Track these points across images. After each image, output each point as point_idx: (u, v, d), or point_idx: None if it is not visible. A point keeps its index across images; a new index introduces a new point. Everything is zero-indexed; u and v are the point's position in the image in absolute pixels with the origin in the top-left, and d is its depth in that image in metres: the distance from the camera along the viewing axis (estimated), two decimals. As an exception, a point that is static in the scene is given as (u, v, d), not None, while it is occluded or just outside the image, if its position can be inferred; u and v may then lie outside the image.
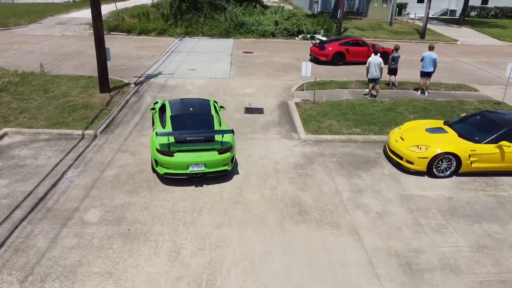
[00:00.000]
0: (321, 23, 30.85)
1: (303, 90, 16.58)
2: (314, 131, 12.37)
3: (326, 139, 11.90)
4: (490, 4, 47.25)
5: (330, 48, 20.89)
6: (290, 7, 49.41)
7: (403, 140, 10.38)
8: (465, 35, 33.43)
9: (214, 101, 11.37)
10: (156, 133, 9.10)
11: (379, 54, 15.30)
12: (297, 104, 14.82)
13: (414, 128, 10.85)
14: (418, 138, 10.25)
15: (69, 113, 12.87)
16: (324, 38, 28.85)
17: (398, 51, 16.41)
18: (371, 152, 11.29)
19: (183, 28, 29.37)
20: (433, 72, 15.83)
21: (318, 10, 43.14)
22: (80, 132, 11.60)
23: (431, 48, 15.74)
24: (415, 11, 43.70)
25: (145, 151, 10.81)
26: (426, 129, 10.62)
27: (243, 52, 23.60)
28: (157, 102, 11.32)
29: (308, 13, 41.91)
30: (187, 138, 8.96)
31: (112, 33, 28.97)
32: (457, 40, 30.73)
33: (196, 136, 8.99)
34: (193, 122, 9.54)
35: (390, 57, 16.59)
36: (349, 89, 16.72)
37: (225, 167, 9.33)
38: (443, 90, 16.97)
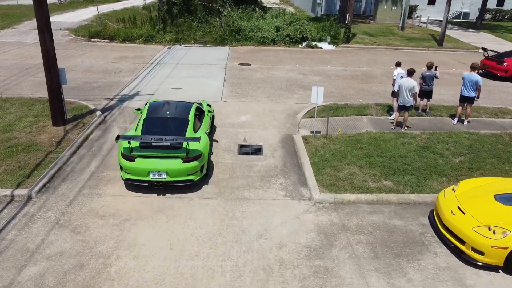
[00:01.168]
0: (327, 28, 27.62)
1: (312, 117, 13.39)
2: (330, 185, 9.16)
3: (348, 200, 8.69)
4: (506, 6, 44.05)
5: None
6: (292, 9, 46.23)
7: (463, 213, 7.17)
8: (485, 41, 30.22)
9: (199, 104, 10.79)
10: (119, 136, 8.42)
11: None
12: (305, 139, 11.63)
13: (477, 193, 7.64)
14: (487, 212, 7.05)
15: (3, 159, 9.66)
16: (330, 46, 25.70)
17: (432, 69, 13.20)
18: (413, 223, 8.08)
19: (173, 34, 26.14)
20: (477, 98, 12.63)
21: (322, 12, 39.99)
22: (8, 192, 8.39)
23: (473, 68, 12.52)
24: (426, 14, 40.56)
25: (94, 227, 7.60)
26: (496, 196, 7.41)
27: (240, 64, 20.37)
28: (147, 103, 10.26)
29: (311, 16, 38.73)
30: (153, 144, 8.41)
31: (93, 40, 25.75)
32: (478, 48, 27.49)
33: (157, 142, 8.28)
34: (166, 126, 9.08)
35: (420, 76, 13.39)
36: (368, 116, 13.50)
37: (191, 177, 8.69)
38: (484, 116, 13.76)
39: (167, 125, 9.09)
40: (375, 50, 25.91)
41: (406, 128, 12.38)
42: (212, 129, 11.92)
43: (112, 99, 14.53)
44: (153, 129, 8.95)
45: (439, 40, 27.54)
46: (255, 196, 8.82)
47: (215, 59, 21.44)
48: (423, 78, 13.19)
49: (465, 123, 12.94)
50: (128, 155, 8.45)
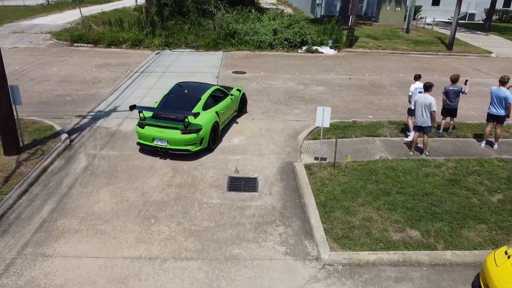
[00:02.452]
0: (329, 31, 25.71)
1: (316, 139, 11.49)
2: (343, 237, 7.26)
3: (366, 261, 6.78)
4: (513, 7, 42.30)
5: None
6: (290, 10, 44.36)
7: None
8: (496, 44, 28.40)
9: (223, 87, 12.01)
10: (135, 105, 9.91)
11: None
12: (308, 168, 9.73)
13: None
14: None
15: None
16: (332, 51, 23.81)
17: (456, 83, 11.32)
18: (453, 295, 6.19)
19: (162, 38, 24.20)
20: (507, 116, 10.75)
21: (322, 13, 38.12)
22: None
23: (502, 82, 10.62)
24: (429, 15, 38.79)
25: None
26: None
27: (234, 73, 18.45)
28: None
29: (310, 17, 36.84)
30: (161, 115, 9.82)
31: (75, 44, 23.78)
32: (490, 52, 25.68)
33: (165, 114, 9.79)
34: (179, 102, 10.34)
35: (443, 91, 11.51)
36: (381, 138, 11.61)
37: (188, 147, 9.75)
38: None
39: (180, 102, 10.39)
40: (380, 55, 24.03)
41: (427, 153, 10.49)
42: (241, 111, 13.08)
43: (84, 117, 12.58)
44: (169, 104, 10.39)
45: (449, 44, 25.68)
46: (247, 255, 6.90)
47: (206, 66, 19.50)
48: (446, 93, 11.31)
49: (495, 146, 11.06)
50: (141, 123, 9.90)
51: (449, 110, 11.40)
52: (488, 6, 40.52)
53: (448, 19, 42.08)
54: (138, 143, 10.12)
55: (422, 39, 28.75)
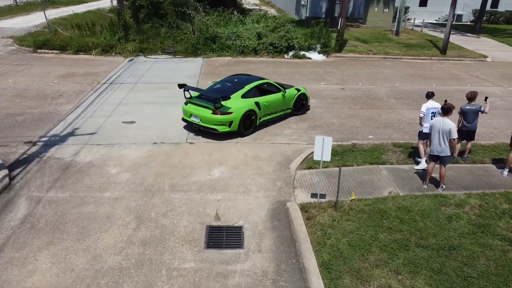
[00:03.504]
0: (317, 35, 24.02)
1: (311, 168, 9.72)
2: (357, 320, 5.48)
3: None
4: (501, 8, 41.46)
5: None
6: (274, 11, 42.65)
7: None
8: (489, 47, 27.21)
9: (271, 82, 12.37)
10: (185, 85, 11.32)
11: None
12: (305, 210, 7.96)
13: None
14: None
15: None
16: (320, 56, 22.12)
17: (473, 101, 9.70)
18: None
19: (136, 44, 22.14)
20: (535, 140, 9.19)
21: (307, 15, 36.51)
22: None
23: (531, 100, 9.05)
24: (417, 15, 37.57)
25: None
26: None
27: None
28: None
29: (295, 19, 35.22)
30: (202, 96, 11.24)
31: (39, 51, 21.52)
32: (486, 56, 24.41)
33: (204, 95, 11.14)
34: (224, 88, 11.56)
35: (459, 111, 9.87)
36: (387, 166, 9.91)
37: (216, 127, 10.76)
38: (538, 161, 10.33)
39: (226, 88, 11.53)
40: (372, 60, 22.47)
41: (443, 187, 8.82)
42: (299, 110, 13.25)
43: (35, 144, 10.53)
44: (216, 89, 11.63)
45: (443, 48, 24.30)
46: None
47: (184, 75, 17.56)
48: (464, 113, 9.68)
49: (520, 174, 9.49)
50: (187, 101, 11.33)
51: (467, 133, 9.77)
52: (475, 7, 39.66)
53: (436, 20, 41.01)
54: (182, 119, 11.63)
55: (414, 42, 27.36)
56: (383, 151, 10.56)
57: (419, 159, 9.82)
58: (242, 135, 11.23)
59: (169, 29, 24.85)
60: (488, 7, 41.36)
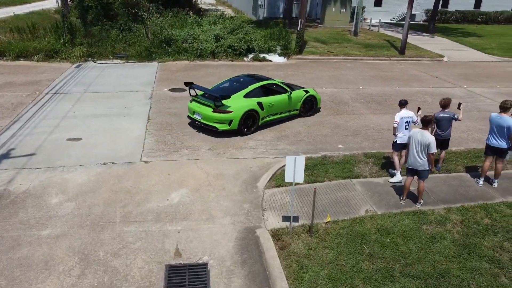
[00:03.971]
0: (276, 36, 23.32)
1: (280, 186, 8.90)
2: None
3: None
4: (451, 8, 42.75)
5: None
6: (230, 11, 41.70)
7: None
8: (444, 47, 27.69)
9: (278, 83, 12.49)
10: (192, 83, 11.57)
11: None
12: (277, 237, 7.13)
13: None
14: None
15: None
16: (281, 58, 21.44)
17: (447, 108, 9.25)
18: None
19: (84, 48, 20.48)
20: (510, 149, 8.84)
21: (264, 15, 35.83)
22: None
23: (504, 108, 8.67)
24: (372, 15, 37.88)
25: None
26: None
27: (171, 91, 15.41)
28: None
29: (253, 19, 34.48)
30: (206, 94, 11.41)
31: (-27, 58, 19.38)
32: (442, 56, 24.74)
33: (204, 90, 11.45)
34: (228, 88, 11.77)
35: (434, 119, 9.36)
36: (360, 180, 9.26)
37: (215, 125, 11.02)
38: (510, 168, 10.08)
39: (229, 87, 11.74)
40: (333, 62, 22.07)
41: (421, 202, 8.28)
42: (307, 112, 13.21)
43: (-40, 170, 9.02)
44: (220, 88, 11.85)
45: (401, 48, 24.35)
46: None
47: (138, 83, 16.26)
48: (437, 121, 9.19)
49: (495, 184, 9.13)
50: (192, 99, 11.75)
51: (440, 142, 9.29)
52: (427, 7, 40.63)
53: (391, 20, 41.64)
54: (188, 116, 11.92)
55: (372, 42, 27.34)
56: (354, 163, 9.93)
57: (394, 171, 9.25)
58: (243, 134, 11.32)
59: (120, 32, 23.34)
60: (439, 7, 42.64)
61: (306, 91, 13.02)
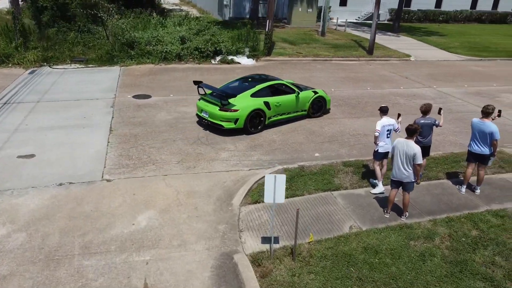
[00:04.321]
0: (244, 37, 22.66)
1: (257, 202, 8.26)
2: None
3: None
4: (413, 7, 43.54)
5: None
6: (195, 11, 40.64)
7: None
8: (410, 46, 27.94)
9: (287, 83, 12.59)
10: (201, 81, 11.80)
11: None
12: (258, 264, 6.49)
13: None
14: None
15: None
16: (250, 60, 20.82)
17: (427, 114, 8.88)
18: None
19: (39, 52, 19.04)
20: (492, 155, 8.58)
21: (230, 15, 35.09)
22: None
23: (486, 114, 8.41)
24: (338, 15, 37.90)
25: None
26: None
27: (135, 97, 14.44)
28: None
29: (219, 19, 33.68)
30: (213, 93, 11.55)
31: None
32: (409, 56, 24.89)
33: (212, 89, 11.58)
34: (236, 87, 11.94)
35: (419, 128, 8.96)
36: (341, 192, 8.76)
37: (221, 123, 11.17)
38: (490, 172, 9.87)
39: (238, 87, 11.97)
40: (302, 63, 21.67)
41: (406, 215, 7.86)
42: (316, 113, 13.19)
43: None
44: (229, 87, 12.10)
45: (369, 48, 24.27)
46: None
47: (98, 89, 15.16)
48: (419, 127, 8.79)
49: (477, 191, 8.87)
50: (201, 97, 11.91)
51: (422, 149, 8.87)
52: (391, 6, 41.15)
53: (356, 19, 41.91)
54: (196, 114, 12.14)
55: (340, 42, 27.18)
56: (334, 173, 9.42)
57: (375, 181, 8.81)
58: (248, 133, 11.47)
59: (79, 34, 21.94)
60: (403, 7, 43.32)
61: (315, 92, 13.03)
